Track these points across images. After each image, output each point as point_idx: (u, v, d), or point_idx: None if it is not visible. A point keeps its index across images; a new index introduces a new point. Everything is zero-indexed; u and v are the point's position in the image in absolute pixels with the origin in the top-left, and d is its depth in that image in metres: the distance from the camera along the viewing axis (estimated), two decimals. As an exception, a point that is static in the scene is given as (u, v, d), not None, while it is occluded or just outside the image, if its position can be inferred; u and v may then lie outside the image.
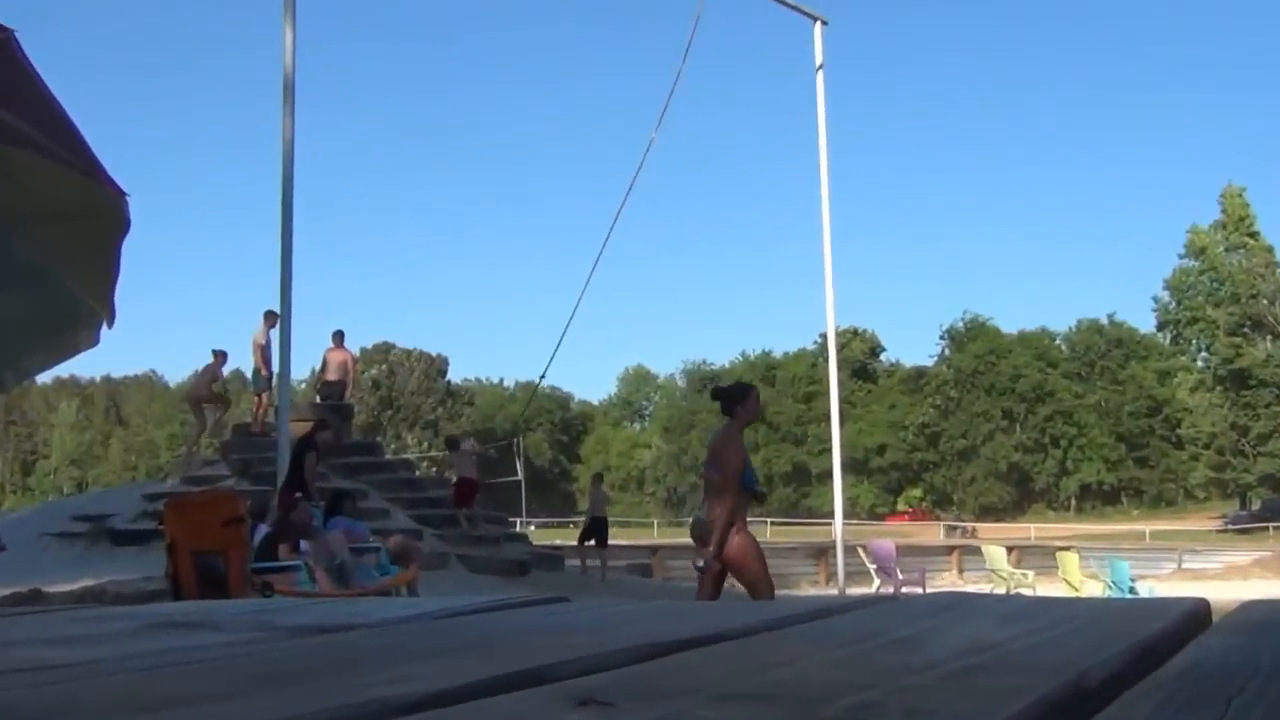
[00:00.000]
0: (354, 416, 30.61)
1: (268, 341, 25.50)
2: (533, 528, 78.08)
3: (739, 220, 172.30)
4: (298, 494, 16.99)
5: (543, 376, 24.00)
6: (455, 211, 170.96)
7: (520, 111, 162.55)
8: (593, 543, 28.47)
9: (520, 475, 80.00)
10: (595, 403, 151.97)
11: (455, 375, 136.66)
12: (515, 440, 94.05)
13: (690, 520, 11.35)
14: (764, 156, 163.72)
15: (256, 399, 27.63)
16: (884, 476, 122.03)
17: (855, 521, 76.65)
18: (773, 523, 79.02)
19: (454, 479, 27.20)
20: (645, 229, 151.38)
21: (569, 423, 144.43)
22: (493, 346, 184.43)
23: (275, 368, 21.17)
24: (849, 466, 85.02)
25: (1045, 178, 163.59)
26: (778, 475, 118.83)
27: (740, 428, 11.07)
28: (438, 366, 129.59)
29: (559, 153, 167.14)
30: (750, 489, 10.85)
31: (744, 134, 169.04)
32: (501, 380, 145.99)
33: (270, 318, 24.92)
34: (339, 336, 28.99)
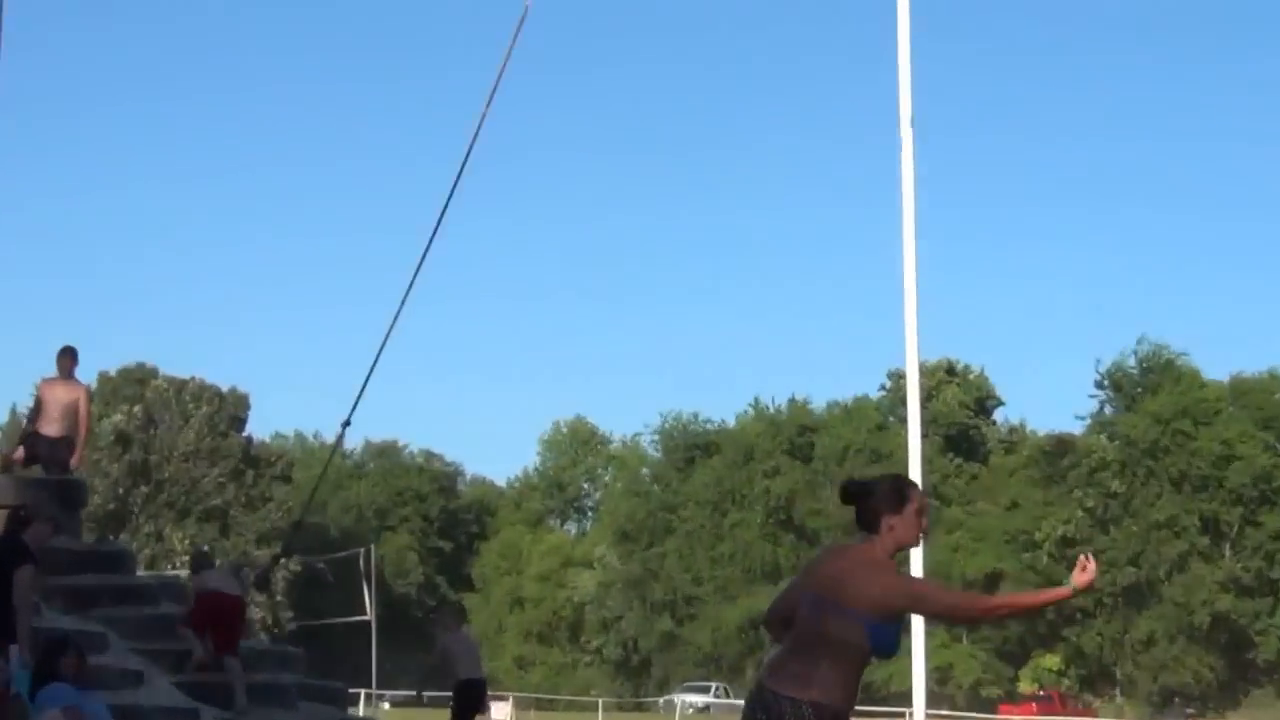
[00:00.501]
0: (86, 500, 23.74)
1: None
2: (387, 706, 73.36)
3: (750, 220, 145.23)
4: None
5: (347, 423, 21.13)
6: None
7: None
8: None
9: (370, 613, 76.24)
10: (501, 484, 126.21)
11: (259, 427, 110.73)
12: (363, 552, 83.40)
13: (752, 697, 8.04)
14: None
15: None
16: (997, 633, 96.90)
17: (948, 712, 75.06)
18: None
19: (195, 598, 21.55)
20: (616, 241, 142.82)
21: (455, 518, 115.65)
22: (321, 382, 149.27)
23: None
24: None
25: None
26: None
27: (892, 551, 8.06)
28: (230, 411, 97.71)
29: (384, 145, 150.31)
30: (888, 652, 7.97)
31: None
32: (339, 439, 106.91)
33: None
34: (68, 360, 22.09)
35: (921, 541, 8.46)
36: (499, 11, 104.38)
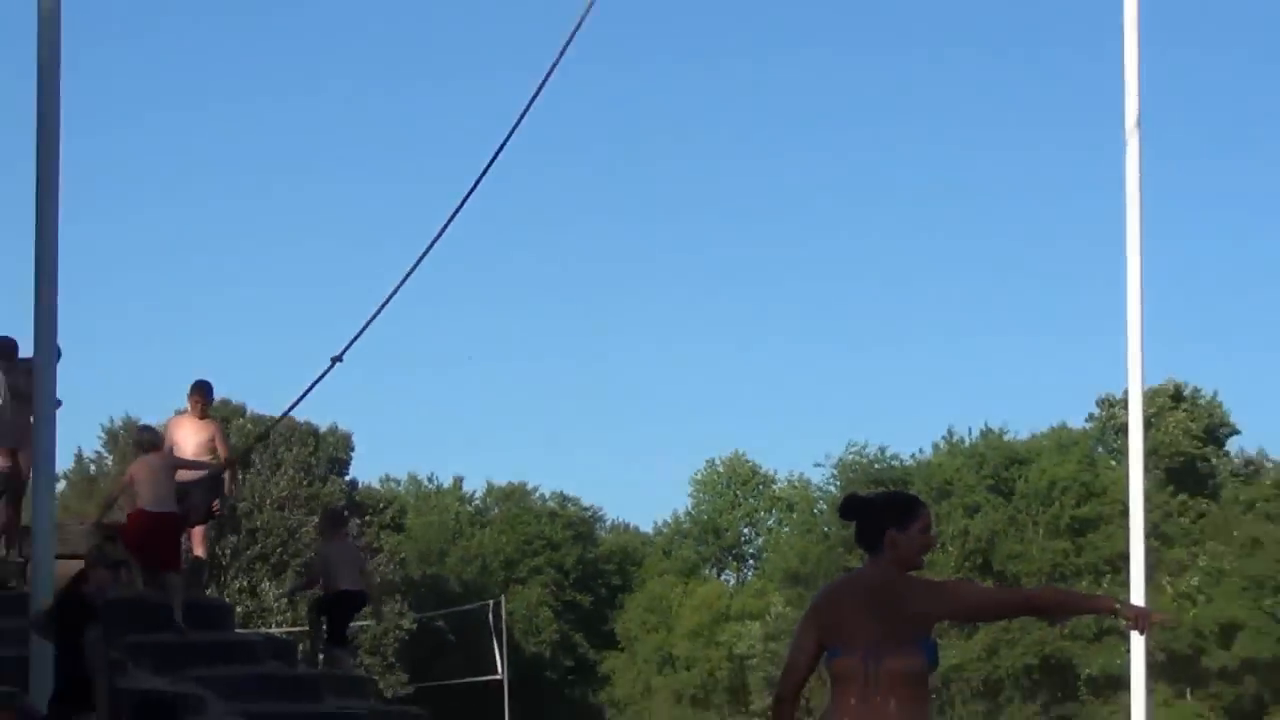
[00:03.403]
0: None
1: (7, 396, 20.47)
2: None
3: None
4: (74, 708, 14.79)
5: (338, 358, 20.68)
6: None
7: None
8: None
9: (501, 672, 74.87)
10: (647, 530, 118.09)
11: (365, 471, 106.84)
12: (493, 605, 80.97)
13: None
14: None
15: None
16: (1229, 688, 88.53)
17: None
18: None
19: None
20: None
21: (594, 569, 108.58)
22: (432, 419, 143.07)
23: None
24: (1162, 668, 75.23)
25: None
26: (1009, 678, 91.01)
27: (902, 571, 8.66)
28: (329, 453, 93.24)
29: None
30: (937, 664, 8.68)
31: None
32: (459, 483, 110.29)
33: (10, 351, 20.55)
34: (200, 395, 22.62)
35: (924, 563, 8.65)
36: None
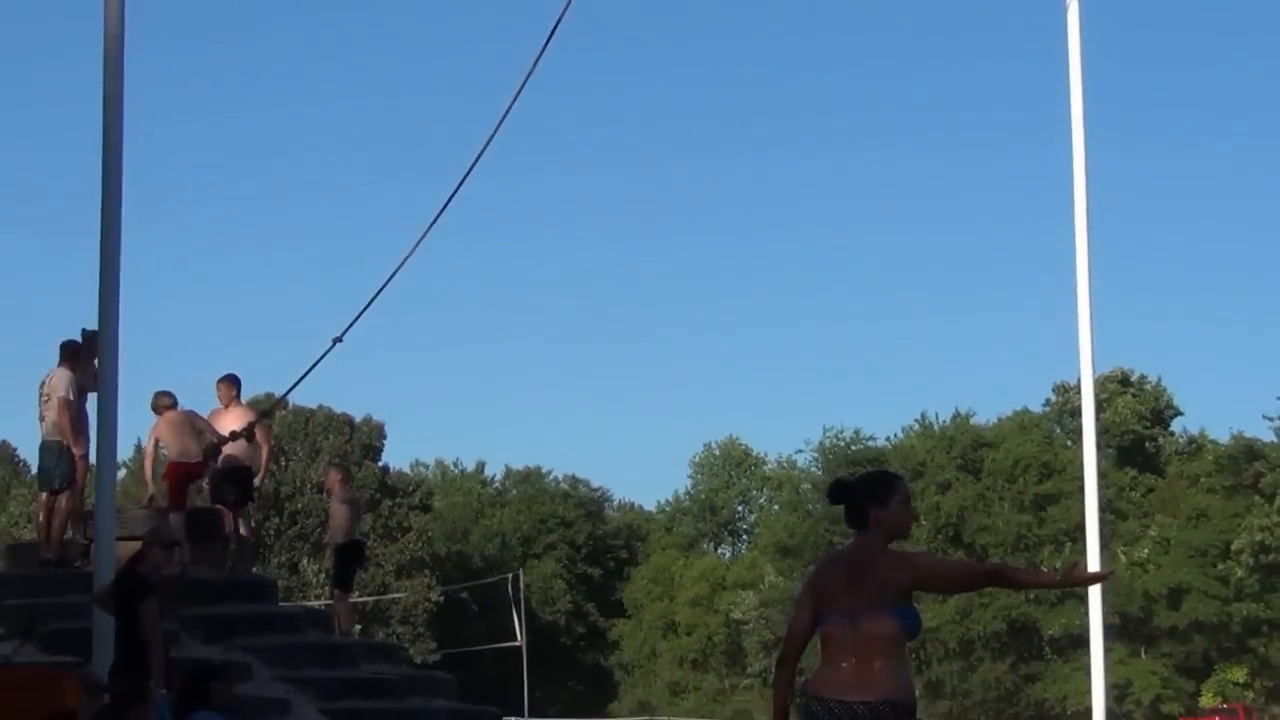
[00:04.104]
0: (223, 529, 22.18)
1: (79, 395, 19.43)
2: None
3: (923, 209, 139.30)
4: (134, 677, 14.09)
5: (339, 339, 20.47)
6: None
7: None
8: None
9: (520, 639, 76.46)
10: (650, 508, 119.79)
11: (396, 457, 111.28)
12: (512, 577, 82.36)
13: (815, 714, 8.66)
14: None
15: (48, 499, 20.30)
16: (1179, 646, 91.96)
17: None
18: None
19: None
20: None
21: (603, 544, 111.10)
22: (455, 410, 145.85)
23: (91, 442, 18.33)
24: (1118, 630, 77.44)
25: None
26: (980, 640, 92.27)
27: (883, 543, 8.71)
28: (363, 440, 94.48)
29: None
30: (918, 630, 8.71)
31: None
32: (481, 467, 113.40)
33: (77, 352, 19.49)
34: (229, 387, 22.18)
35: (908, 533, 8.76)
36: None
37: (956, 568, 9.13)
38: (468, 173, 19.45)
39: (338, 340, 20.95)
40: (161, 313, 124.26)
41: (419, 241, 19.86)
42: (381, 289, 20.20)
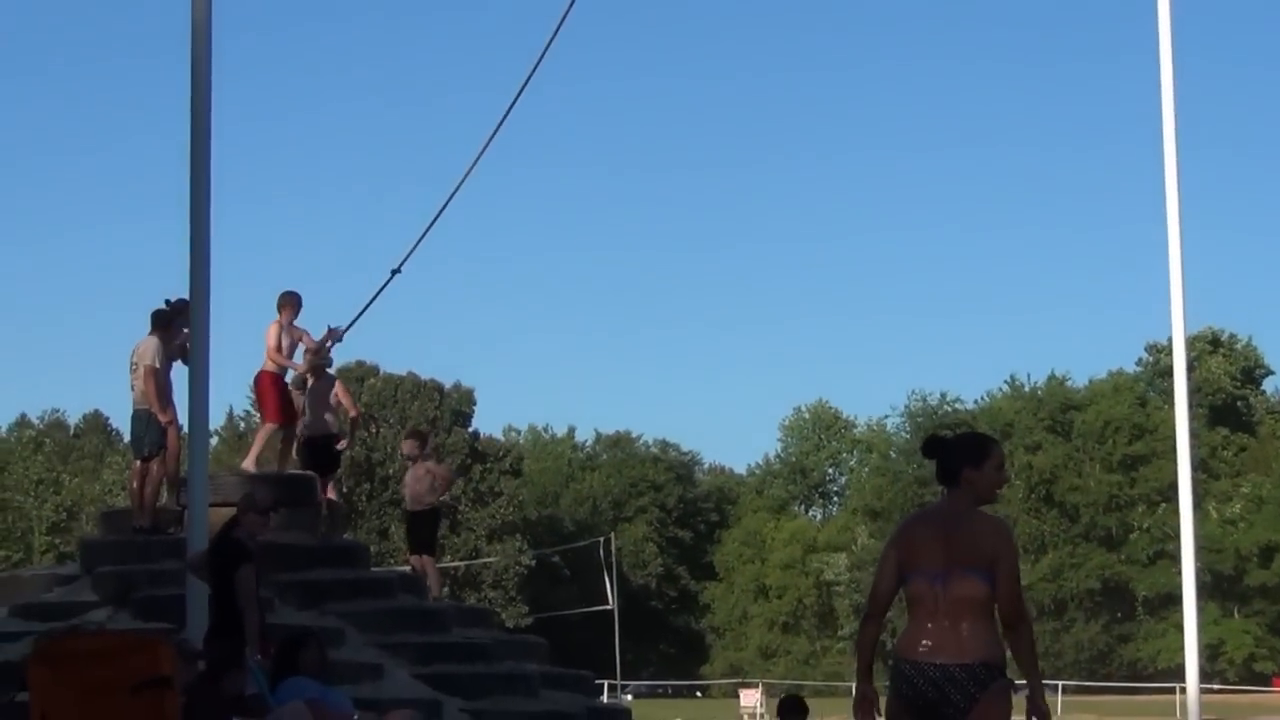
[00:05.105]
0: (316, 495, 21.43)
1: (166, 363, 19.04)
2: (629, 698, 69.94)
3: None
4: (228, 642, 13.62)
5: (398, 270, 21.19)
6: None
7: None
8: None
9: (612, 602, 76.90)
10: (740, 471, 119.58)
11: (487, 423, 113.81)
12: (603, 541, 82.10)
13: (908, 676, 8.40)
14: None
15: (140, 466, 19.94)
16: (1271, 605, 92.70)
17: (1220, 686, 72.40)
18: (1066, 687, 70.01)
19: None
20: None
21: (694, 507, 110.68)
22: (545, 376, 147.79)
23: (183, 411, 17.95)
24: (1210, 589, 77.90)
25: None
26: (1073, 600, 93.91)
27: (971, 504, 8.54)
28: (453, 406, 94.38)
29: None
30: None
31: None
32: (571, 432, 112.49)
33: (169, 321, 18.93)
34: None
35: (998, 497, 8.69)
36: None
37: (1015, 587, 8.42)
38: (515, 99, 19.72)
39: (396, 271, 21.11)
40: (251, 284, 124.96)
41: (469, 170, 20.32)
42: (436, 217, 20.73)
